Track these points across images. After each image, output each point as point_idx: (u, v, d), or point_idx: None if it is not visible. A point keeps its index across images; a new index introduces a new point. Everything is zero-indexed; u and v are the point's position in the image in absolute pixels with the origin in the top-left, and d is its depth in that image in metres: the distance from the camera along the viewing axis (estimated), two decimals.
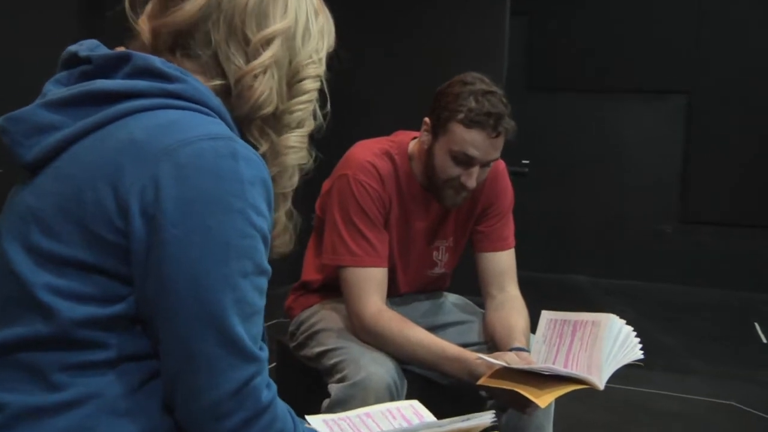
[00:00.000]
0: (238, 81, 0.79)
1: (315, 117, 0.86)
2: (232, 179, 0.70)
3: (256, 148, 0.79)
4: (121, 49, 0.82)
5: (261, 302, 0.74)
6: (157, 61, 0.76)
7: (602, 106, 5.21)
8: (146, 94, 0.74)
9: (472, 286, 1.73)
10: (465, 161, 1.48)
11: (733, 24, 4.86)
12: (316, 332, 1.59)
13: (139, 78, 0.75)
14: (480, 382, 1.32)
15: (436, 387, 1.59)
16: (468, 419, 1.01)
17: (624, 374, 2.97)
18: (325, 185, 1.66)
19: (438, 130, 1.50)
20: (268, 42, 0.79)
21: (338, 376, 1.43)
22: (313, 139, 0.88)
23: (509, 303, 1.63)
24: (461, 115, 1.45)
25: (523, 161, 5.44)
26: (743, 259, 4.94)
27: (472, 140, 1.45)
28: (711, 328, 4.04)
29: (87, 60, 0.78)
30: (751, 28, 4.83)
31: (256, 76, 0.78)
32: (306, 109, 0.83)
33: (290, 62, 0.82)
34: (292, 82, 0.82)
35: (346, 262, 1.53)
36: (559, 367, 1.29)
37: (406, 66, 4.19)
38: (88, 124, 0.73)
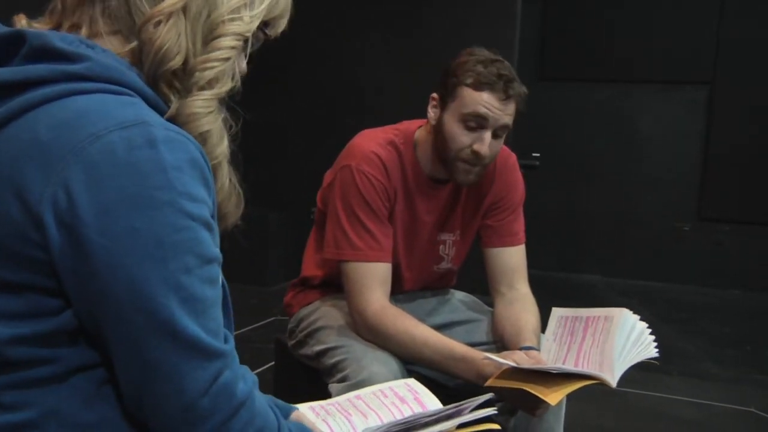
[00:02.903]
0: (140, 30, 0.73)
1: (232, 78, 0.80)
2: (152, 171, 0.65)
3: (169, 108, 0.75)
4: (20, 19, 0.77)
5: (214, 293, 0.71)
6: (55, 38, 0.70)
7: (617, 98, 5.18)
8: (47, 81, 0.68)
9: (482, 284, 1.72)
10: (476, 125, 1.48)
11: (755, 13, 4.82)
12: (316, 330, 1.59)
13: (37, 61, 0.69)
14: (488, 383, 1.31)
15: (441, 389, 1.58)
16: (461, 408, 0.98)
17: (639, 378, 3.01)
18: (327, 177, 1.65)
19: (447, 99, 1.51)
20: None
21: (339, 375, 1.42)
22: (233, 101, 0.82)
23: (519, 301, 1.62)
24: (470, 80, 1.47)
25: (534, 154, 5.43)
26: (763, 259, 4.91)
27: (483, 101, 1.47)
28: (729, 331, 4.02)
29: None
30: None
31: (158, 23, 0.73)
32: (218, 67, 0.77)
33: (209, 15, 0.76)
34: (209, 37, 0.77)
35: (348, 257, 1.52)
36: (570, 366, 1.27)
37: (414, 54, 4.17)
38: None
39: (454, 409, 0.98)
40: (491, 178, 1.64)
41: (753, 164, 4.90)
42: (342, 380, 1.41)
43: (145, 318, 0.66)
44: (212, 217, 0.71)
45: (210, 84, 0.77)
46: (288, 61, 4.32)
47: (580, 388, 1.24)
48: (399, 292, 1.66)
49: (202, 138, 0.75)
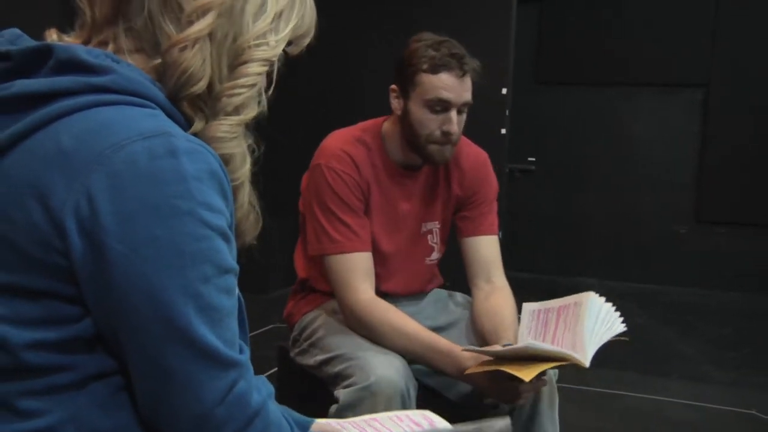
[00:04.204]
0: (165, 53, 0.75)
1: (259, 103, 0.81)
2: (173, 180, 0.66)
3: (191, 125, 0.76)
4: (51, 33, 0.79)
5: (230, 303, 0.72)
6: (81, 51, 0.72)
7: (614, 101, 5.19)
8: (72, 92, 0.70)
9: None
10: (441, 107, 1.56)
11: (751, 15, 4.84)
12: (319, 339, 1.61)
13: (63, 73, 0.71)
14: (468, 371, 1.37)
15: (442, 399, 1.60)
16: (480, 428, 0.99)
17: (639, 381, 3.01)
18: (303, 181, 1.70)
19: (407, 88, 1.58)
20: (203, 12, 0.75)
21: (345, 382, 1.43)
22: (258, 126, 0.84)
23: (496, 294, 1.68)
24: (426, 65, 1.55)
25: (529, 158, 5.45)
26: (762, 261, 4.91)
27: (443, 83, 1.55)
28: (729, 333, 4.03)
29: (6, 55, 0.74)
30: None
31: (183, 48, 0.74)
32: (244, 94, 0.78)
33: (234, 39, 0.77)
34: (234, 63, 0.78)
35: (329, 250, 1.57)
36: (540, 342, 1.32)
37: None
38: (11, 134, 0.69)
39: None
40: (465, 168, 1.72)
41: (749, 166, 4.92)
42: (349, 386, 1.41)
43: (162, 326, 0.67)
44: (229, 228, 0.72)
45: (237, 110, 0.78)
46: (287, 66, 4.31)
47: (555, 367, 1.32)
48: (395, 292, 1.69)
49: (225, 159, 0.77)
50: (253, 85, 0.79)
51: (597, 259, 5.27)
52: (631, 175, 5.21)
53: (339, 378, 1.46)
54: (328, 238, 1.56)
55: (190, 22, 0.75)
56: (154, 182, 0.66)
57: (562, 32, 5.21)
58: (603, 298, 1.38)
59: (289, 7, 0.82)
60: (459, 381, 1.52)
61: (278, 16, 0.80)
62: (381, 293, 1.61)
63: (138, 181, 0.66)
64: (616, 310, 1.39)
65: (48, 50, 0.72)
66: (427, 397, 1.54)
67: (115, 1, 0.77)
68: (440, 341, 1.49)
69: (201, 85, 0.75)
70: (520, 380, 1.25)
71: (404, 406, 1.38)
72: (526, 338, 1.47)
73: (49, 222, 0.66)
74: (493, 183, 1.77)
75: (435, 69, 1.54)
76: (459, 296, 1.82)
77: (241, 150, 0.79)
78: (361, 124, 1.70)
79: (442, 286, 1.87)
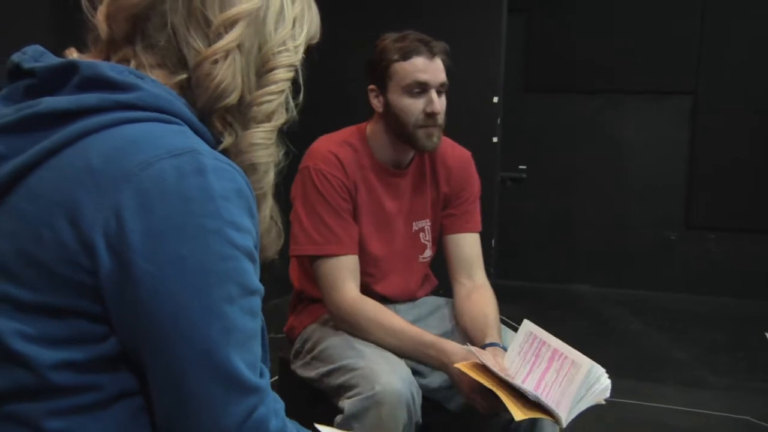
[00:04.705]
0: (196, 67, 0.75)
1: (287, 110, 0.82)
2: (201, 198, 0.66)
3: (219, 142, 0.76)
4: (71, 52, 0.79)
5: (254, 325, 0.71)
6: (106, 68, 0.72)
7: (603, 108, 5.22)
8: (98, 110, 0.70)
9: None
10: (419, 89, 1.60)
11: (738, 22, 4.88)
12: (321, 351, 1.61)
13: (88, 90, 0.71)
14: (457, 365, 1.39)
15: (442, 410, 1.60)
16: None
17: (634, 388, 3.01)
18: (293, 189, 1.70)
19: (384, 82, 1.63)
20: (231, 24, 0.75)
21: (349, 393, 1.44)
22: (285, 133, 0.84)
23: (478, 292, 1.71)
24: (396, 55, 1.61)
25: (520, 166, 5.46)
26: (751, 266, 4.95)
27: (416, 67, 1.60)
28: (721, 339, 4.04)
29: (31, 72, 0.74)
30: (757, 27, 4.85)
31: (215, 62, 0.74)
32: (275, 100, 0.79)
33: (260, 49, 0.78)
34: (261, 71, 0.78)
35: (312, 252, 1.59)
36: (532, 390, 1.35)
37: None
38: (39, 151, 0.69)
39: None
40: (451, 165, 1.76)
41: (738, 172, 4.95)
42: (353, 396, 1.41)
43: (185, 346, 0.66)
44: (255, 248, 0.71)
45: (268, 118, 0.79)
46: None
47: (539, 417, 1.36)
48: (391, 294, 1.69)
49: (253, 168, 0.77)
50: (282, 92, 0.79)
51: (588, 265, 5.28)
52: (621, 182, 5.23)
53: (342, 389, 1.46)
54: (311, 240, 1.58)
55: (219, 35, 0.75)
56: (182, 201, 0.66)
57: (551, 40, 5.24)
58: (603, 370, 1.38)
59: (301, 13, 0.83)
60: (458, 393, 1.52)
61: (295, 21, 0.81)
62: (377, 296, 1.62)
63: (166, 199, 0.65)
64: (609, 377, 1.39)
65: (73, 67, 0.72)
66: (428, 410, 1.53)
67: (134, 19, 0.76)
68: (425, 335, 1.52)
69: (234, 97, 0.75)
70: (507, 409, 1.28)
71: (409, 414, 1.39)
72: (515, 356, 1.48)
73: (78, 241, 0.66)
74: (477, 181, 1.82)
75: (406, 55, 1.60)
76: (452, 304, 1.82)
77: (271, 159, 0.79)
78: (347, 129, 1.73)
79: (436, 289, 1.87)
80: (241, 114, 0.77)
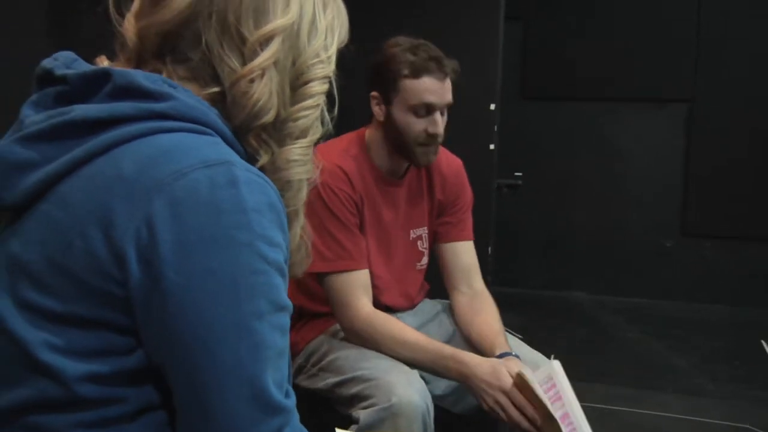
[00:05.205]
0: (232, 85, 0.73)
1: (323, 123, 0.80)
2: (233, 210, 0.65)
3: (255, 160, 0.75)
4: (101, 60, 0.78)
5: (283, 342, 0.69)
6: (140, 77, 0.70)
7: (600, 116, 5.22)
8: (132, 119, 0.69)
9: None
10: (426, 110, 1.57)
11: (735, 30, 4.90)
12: (330, 362, 1.59)
13: (121, 99, 0.70)
14: (521, 373, 1.38)
15: (448, 414, 1.59)
16: None
17: (634, 396, 3.00)
18: None
19: (390, 95, 1.59)
20: (267, 41, 0.73)
21: (364, 403, 1.44)
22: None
23: (478, 300, 1.71)
24: (406, 70, 1.56)
25: (516, 173, 5.45)
26: (748, 274, 4.94)
27: (426, 87, 1.56)
28: (719, 347, 4.04)
29: (62, 79, 0.72)
30: (753, 35, 4.86)
31: (252, 80, 0.73)
32: (311, 115, 0.77)
33: (293, 62, 0.76)
34: (296, 84, 0.76)
35: (323, 269, 1.56)
36: (566, 429, 1.36)
37: None
38: (71, 160, 0.68)
39: None
40: (446, 174, 1.75)
41: (734, 179, 4.96)
42: (369, 407, 1.41)
43: (212, 361, 0.64)
44: (285, 263, 0.70)
45: (304, 133, 0.77)
46: None
47: None
48: (395, 305, 1.68)
49: (288, 185, 0.76)
50: (317, 106, 0.78)
51: (584, 273, 5.27)
52: (617, 189, 5.23)
53: (356, 399, 1.45)
54: (322, 257, 1.55)
55: (254, 52, 0.73)
56: (214, 212, 0.64)
57: (548, 48, 5.24)
58: None
59: (333, 21, 0.81)
60: (465, 396, 1.53)
61: (327, 30, 0.79)
62: (381, 306, 1.61)
63: (198, 210, 0.64)
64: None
65: (106, 75, 0.71)
66: (436, 415, 1.52)
67: (165, 35, 0.75)
68: (443, 347, 1.51)
69: (272, 115, 0.74)
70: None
71: (425, 425, 1.38)
72: (539, 389, 1.46)
73: (109, 251, 0.64)
74: (469, 189, 1.82)
75: (417, 73, 1.55)
76: (448, 306, 1.82)
77: (306, 176, 0.78)
78: (345, 136, 1.71)
79: (427, 292, 1.87)
80: (277, 130, 0.75)
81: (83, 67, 0.74)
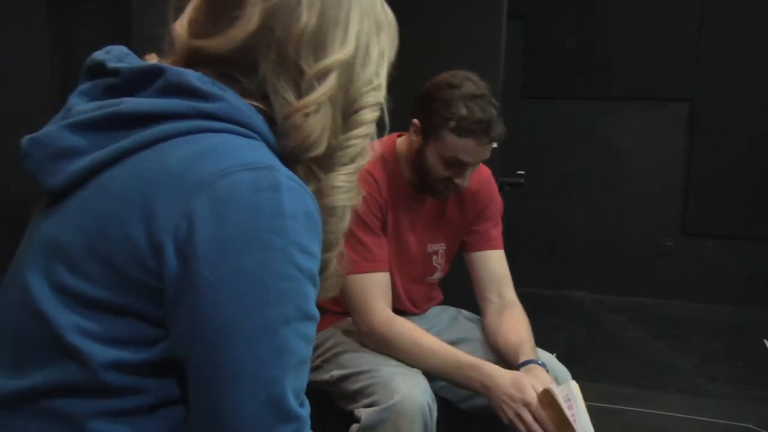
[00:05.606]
0: (286, 118, 0.73)
1: (369, 150, 0.80)
2: (271, 214, 0.65)
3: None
4: (152, 57, 0.78)
5: (307, 352, 0.69)
6: (193, 77, 0.71)
7: (601, 115, 5.21)
8: (180, 116, 0.70)
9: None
10: (458, 165, 1.55)
11: (736, 30, 4.89)
12: (335, 355, 1.58)
13: (172, 96, 0.71)
14: (550, 389, 1.36)
15: (454, 409, 1.58)
16: None
17: (636, 396, 2.99)
18: None
19: (429, 134, 1.56)
20: (324, 75, 0.73)
21: (366, 400, 1.43)
22: None
23: (509, 310, 1.69)
24: (453, 123, 1.50)
25: (518, 172, 5.45)
26: (748, 273, 4.94)
27: (465, 148, 1.52)
28: (720, 346, 4.04)
29: (114, 72, 0.74)
30: (754, 35, 4.86)
31: (307, 114, 0.73)
32: (361, 143, 0.78)
33: (347, 90, 0.76)
34: (347, 112, 0.76)
35: (345, 271, 1.52)
36: None
37: (397, 71, 4.16)
38: (117, 150, 0.69)
39: None
40: (475, 189, 1.72)
41: (735, 179, 4.95)
42: (371, 405, 1.40)
43: (232, 360, 0.64)
44: (318, 273, 0.70)
45: (352, 160, 0.77)
46: None
47: None
48: (402, 309, 1.67)
49: (331, 211, 0.76)
50: (368, 135, 0.78)
51: (585, 272, 5.27)
52: (618, 189, 5.23)
53: (359, 395, 1.45)
54: (349, 260, 1.54)
55: (311, 86, 0.73)
56: (253, 214, 0.65)
57: (548, 47, 5.24)
58: None
59: (388, 39, 0.81)
60: (475, 395, 1.50)
61: (381, 56, 0.79)
62: (396, 311, 1.60)
63: (238, 210, 0.64)
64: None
65: (159, 71, 0.72)
66: (442, 409, 1.52)
67: (220, 59, 0.74)
68: (463, 355, 1.48)
69: (323, 148, 0.74)
70: None
71: (425, 425, 1.37)
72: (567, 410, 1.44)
73: (148, 241, 0.65)
74: (498, 198, 1.79)
75: (461, 132, 1.50)
76: (467, 313, 1.81)
77: (350, 203, 0.78)
78: (379, 141, 1.68)
79: (439, 303, 1.86)
80: (326, 159, 0.75)
81: (135, 61, 0.75)
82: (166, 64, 0.76)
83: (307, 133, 0.73)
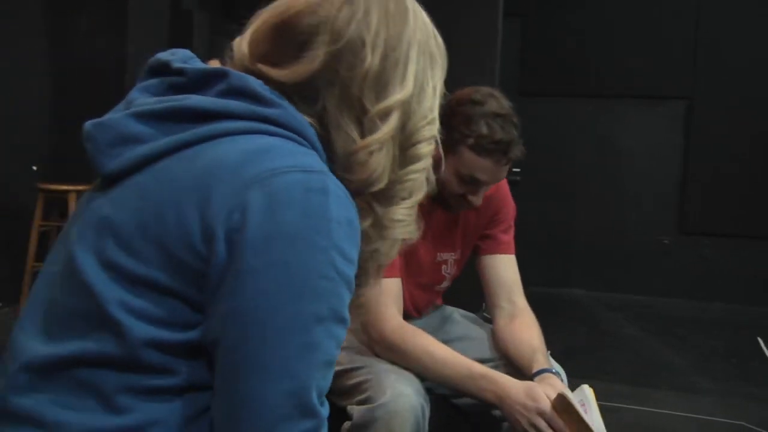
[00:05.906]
0: (351, 154, 0.76)
1: (427, 180, 0.83)
2: (319, 216, 0.68)
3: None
4: (214, 62, 0.81)
5: (335, 353, 0.71)
6: (255, 83, 0.75)
7: (598, 113, 5.23)
8: (239, 116, 0.73)
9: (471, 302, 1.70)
10: (473, 182, 1.51)
11: (733, 28, 4.90)
12: None
13: (233, 98, 0.74)
14: (564, 395, 1.33)
15: (453, 407, 1.59)
16: None
17: (630, 393, 3.00)
18: None
19: (447, 149, 1.51)
20: (386, 114, 0.76)
21: (360, 397, 1.42)
22: None
23: (519, 316, 1.65)
24: (471, 141, 1.47)
25: (514, 169, 5.46)
26: (746, 272, 4.96)
27: (482, 167, 1.49)
28: (716, 344, 4.06)
29: (179, 71, 0.77)
30: (752, 32, 4.87)
31: (371, 153, 0.75)
32: (419, 178, 0.80)
33: (404, 125, 0.78)
34: (405, 146, 0.79)
35: None
36: None
37: None
38: (176, 141, 0.72)
39: None
40: (489, 194, 1.67)
41: (733, 177, 4.97)
42: (363, 402, 1.40)
43: (262, 347, 0.67)
44: (354, 279, 0.72)
45: (410, 193, 0.80)
46: None
47: None
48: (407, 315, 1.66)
49: (384, 242, 0.79)
50: (425, 168, 0.81)
51: (583, 269, 5.28)
52: (616, 186, 5.24)
53: (354, 391, 1.44)
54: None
55: (374, 124, 0.76)
56: (303, 213, 0.68)
57: (546, 45, 5.24)
58: None
59: (439, 78, 0.83)
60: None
61: (434, 91, 0.81)
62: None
63: (289, 207, 0.68)
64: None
65: (223, 74, 0.75)
66: (439, 405, 1.52)
67: (280, 87, 0.77)
68: (475, 366, 1.45)
69: (384, 183, 0.77)
70: None
71: (417, 425, 1.36)
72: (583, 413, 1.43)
73: (201, 227, 0.68)
74: (512, 203, 1.76)
75: (480, 151, 1.47)
76: (460, 311, 1.81)
77: (408, 237, 0.81)
78: None
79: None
80: (385, 193, 0.78)
81: (198, 64, 0.78)
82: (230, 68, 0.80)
83: (372, 170, 0.75)
